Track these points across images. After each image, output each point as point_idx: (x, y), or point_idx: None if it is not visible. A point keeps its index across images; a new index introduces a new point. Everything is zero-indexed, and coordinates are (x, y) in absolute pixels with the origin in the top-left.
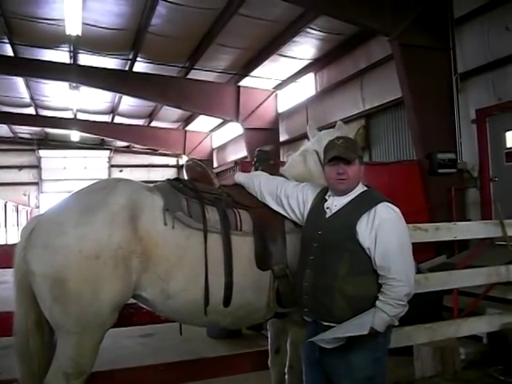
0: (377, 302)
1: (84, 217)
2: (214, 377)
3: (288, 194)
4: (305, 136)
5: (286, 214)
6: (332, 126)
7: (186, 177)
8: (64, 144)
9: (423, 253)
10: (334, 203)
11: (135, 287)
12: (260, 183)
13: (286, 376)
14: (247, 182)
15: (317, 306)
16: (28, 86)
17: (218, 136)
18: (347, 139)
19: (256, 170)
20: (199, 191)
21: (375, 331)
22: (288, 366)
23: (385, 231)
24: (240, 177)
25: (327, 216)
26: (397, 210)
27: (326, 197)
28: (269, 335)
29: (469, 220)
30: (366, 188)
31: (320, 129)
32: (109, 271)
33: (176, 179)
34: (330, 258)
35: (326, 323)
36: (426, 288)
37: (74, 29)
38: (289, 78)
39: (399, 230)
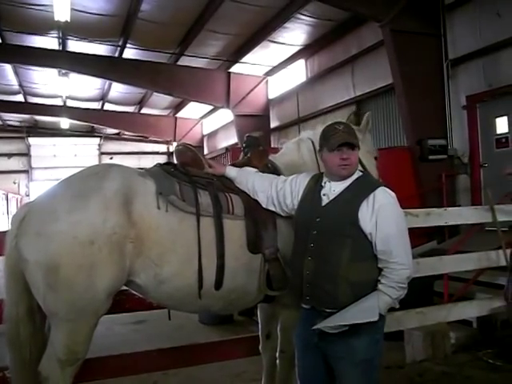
0: (379, 286)
1: (77, 203)
2: (206, 362)
3: (278, 189)
4: (295, 122)
5: (276, 210)
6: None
7: (176, 161)
8: (54, 131)
9: (414, 238)
10: (332, 189)
11: (129, 273)
12: (254, 182)
13: (278, 361)
14: (239, 179)
15: (320, 294)
16: (16, 73)
17: (208, 123)
18: (347, 124)
19: (245, 155)
20: (191, 175)
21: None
22: (279, 351)
23: (385, 216)
24: (230, 171)
25: (325, 203)
26: (393, 194)
27: (323, 183)
28: (259, 321)
29: (459, 206)
30: (360, 173)
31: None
32: (104, 257)
33: (167, 163)
34: (331, 245)
35: (329, 310)
36: (417, 273)
37: (62, 14)
38: (279, 65)
39: (398, 214)
